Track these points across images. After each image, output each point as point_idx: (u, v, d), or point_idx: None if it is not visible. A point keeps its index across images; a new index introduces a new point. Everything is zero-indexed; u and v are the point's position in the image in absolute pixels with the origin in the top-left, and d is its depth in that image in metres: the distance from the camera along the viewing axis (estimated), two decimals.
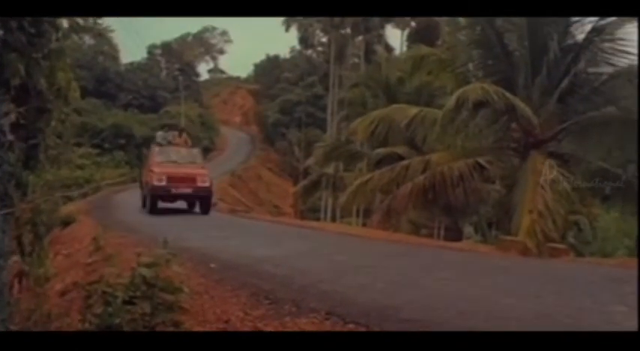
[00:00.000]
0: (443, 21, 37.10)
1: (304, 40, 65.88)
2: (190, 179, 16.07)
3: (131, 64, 63.94)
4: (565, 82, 12.50)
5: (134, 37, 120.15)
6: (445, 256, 8.83)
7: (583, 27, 12.87)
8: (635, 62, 12.42)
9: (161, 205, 16.47)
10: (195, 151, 18.39)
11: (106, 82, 54.61)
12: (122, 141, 45.16)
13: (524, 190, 11.64)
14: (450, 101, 12.18)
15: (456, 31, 16.32)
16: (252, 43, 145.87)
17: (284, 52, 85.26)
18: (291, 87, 70.01)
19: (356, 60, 55.56)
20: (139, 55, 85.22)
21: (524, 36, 13.03)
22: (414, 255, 8.72)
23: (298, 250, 8.89)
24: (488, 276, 6.61)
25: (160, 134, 18.72)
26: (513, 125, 13.37)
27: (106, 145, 44.25)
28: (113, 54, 61.51)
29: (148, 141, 42.62)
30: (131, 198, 21.42)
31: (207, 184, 16.26)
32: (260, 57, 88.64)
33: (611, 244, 17.79)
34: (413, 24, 53.07)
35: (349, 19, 45.80)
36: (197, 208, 17.27)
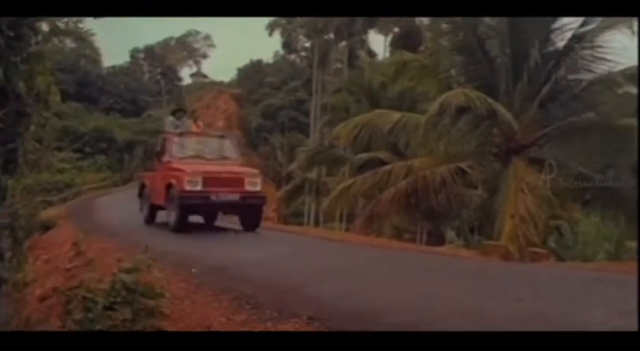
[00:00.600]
0: (425, 27, 37.28)
1: (287, 45, 65.87)
2: (236, 181, 11.31)
3: (113, 67, 63.66)
4: (546, 89, 12.68)
5: (116, 41, 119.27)
6: (427, 260, 8.84)
7: (563, 34, 13.11)
8: (614, 69, 12.66)
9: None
10: (228, 142, 12.99)
11: (87, 85, 54.33)
12: (103, 145, 44.95)
13: (505, 195, 11.76)
14: (433, 106, 12.27)
15: (438, 37, 16.47)
16: (236, 47, 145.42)
17: (267, 57, 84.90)
18: (274, 92, 69.88)
19: (339, 65, 55.76)
20: (122, 59, 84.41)
21: (506, 42, 13.19)
22: (396, 260, 8.72)
23: (281, 254, 8.84)
24: (470, 280, 6.63)
25: (170, 121, 13.40)
26: (495, 130, 13.49)
27: (87, 149, 43.86)
28: (95, 57, 61.11)
29: (130, 145, 42.19)
30: (113, 202, 21.22)
31: (258, 188, 11.55)
32: (243, 61, 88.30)
33: (591, 249, 17.93)
34: (396, 29, 53.30)
35: (332, 24, 45.87)
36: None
